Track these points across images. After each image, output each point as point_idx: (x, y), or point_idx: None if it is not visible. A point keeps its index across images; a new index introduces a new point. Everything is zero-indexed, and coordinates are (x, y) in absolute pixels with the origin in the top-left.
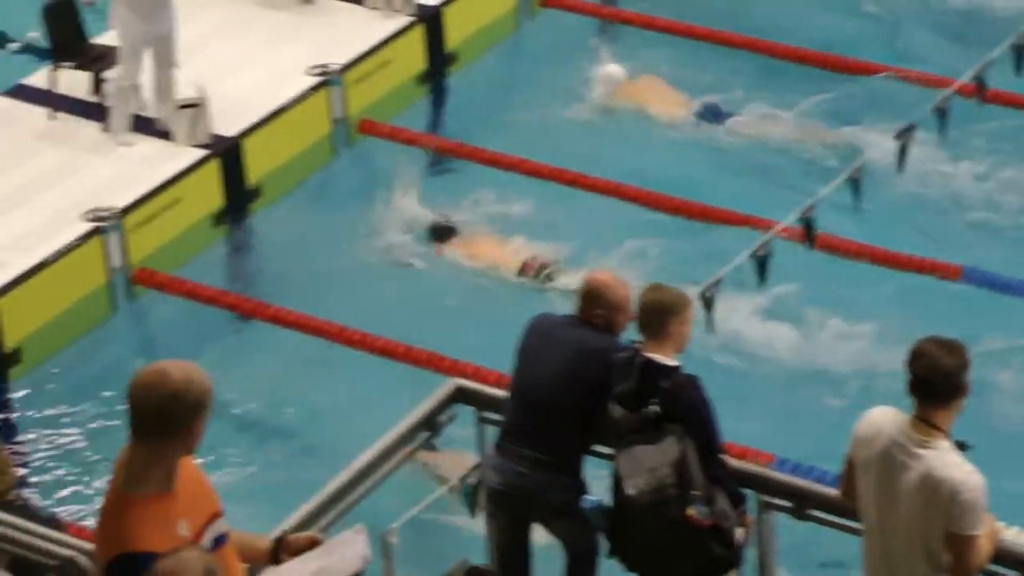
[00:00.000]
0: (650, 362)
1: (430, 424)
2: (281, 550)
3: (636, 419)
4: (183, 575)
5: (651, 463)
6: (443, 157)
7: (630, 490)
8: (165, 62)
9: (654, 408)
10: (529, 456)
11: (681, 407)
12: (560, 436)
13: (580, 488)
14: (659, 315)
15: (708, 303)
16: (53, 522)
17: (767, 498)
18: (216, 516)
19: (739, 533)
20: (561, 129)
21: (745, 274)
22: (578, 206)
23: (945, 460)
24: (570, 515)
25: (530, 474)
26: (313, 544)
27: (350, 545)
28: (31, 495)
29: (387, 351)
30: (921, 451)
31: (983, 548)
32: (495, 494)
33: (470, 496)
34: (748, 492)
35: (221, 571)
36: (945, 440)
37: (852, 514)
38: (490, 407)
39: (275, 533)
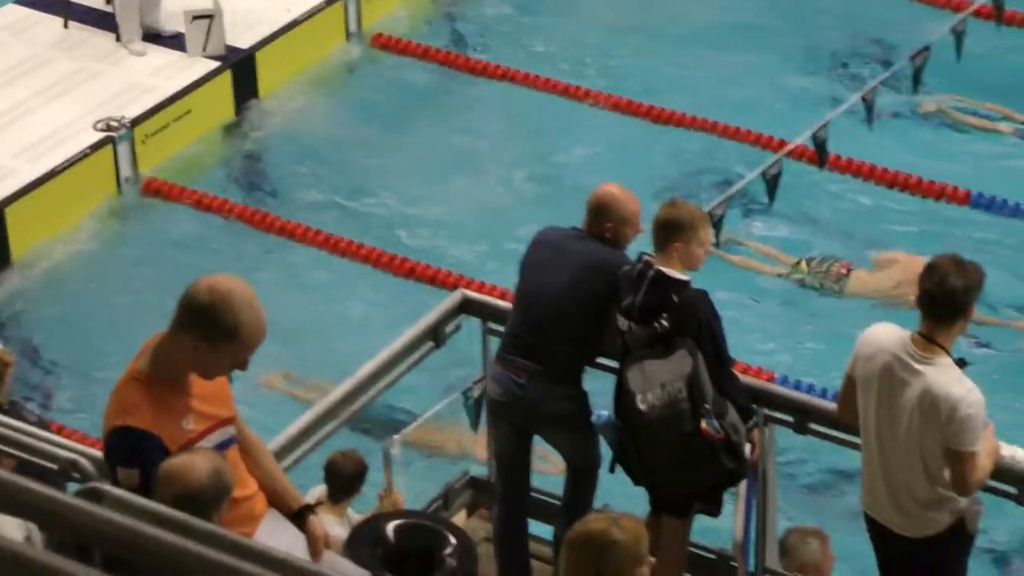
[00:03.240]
0: (661, 275)
1: (435, 334)
2: (301, 520)
3: (646, 333)
4: (186, 475)
5: (663, 378)
6: None
7: (642, 405)
8: None
9: (664, 322)
10: (529, 368)
11: (691, 321)
12: (561, 348)
13: (580, 400)
14: (672, 231)
15: (716, 222)
16: (42, 425)
17: (769, 412)
18: (227, 422)
19: (747, 447)
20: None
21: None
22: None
23: (945, 376)
24: (570, 427)
25: (530, 385)
26: (316, 544)
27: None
28: (27, 401)
29: (392, 267)
30: (921, 367)
31: (982, 465)
32: (495, 405)
33: (472, 408)
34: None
35: (232, 482)
36: (946, 357)
37: (852, 430)
38: (496, 318)
39: (309, 498)
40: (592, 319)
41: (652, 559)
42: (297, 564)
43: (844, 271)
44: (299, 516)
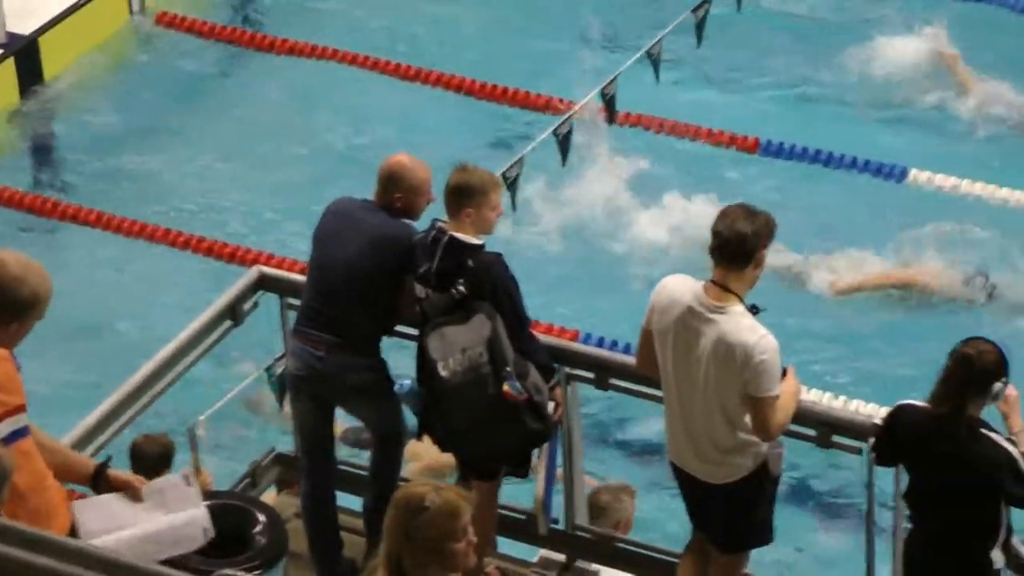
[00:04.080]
0: (455, 241)
1: (234, 312)
2: (101, 479)
3: (443, 300)
4: None
5: (463, 343)
6: None
7: (443, 372)
8: None
9: (461, 288)
10: (325, 340)
11: (488, 284)
12: (356, 319)
13: (380, 369)
14: (466, 196)
15: (511, 184)
16: None
17: (570, 370)
18: (16, 410)
19: (551, 406)
20: None
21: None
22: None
23: (739, 324)
24: (372, 397)
25: (327, 357)
26: (130, 485)
27: (181, 502)
28: None
29: (190, 247)
30: (715, 316)
31: (781, 409)
32: (295, 379)
33: (277, 385)
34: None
35: (11, 465)
36: (739, 305)
37: (652, 382)
38: (294, 293)
39: (100, 459)
40: (384, 290)
41: (473, 539)
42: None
43: None
44: (98, 477)
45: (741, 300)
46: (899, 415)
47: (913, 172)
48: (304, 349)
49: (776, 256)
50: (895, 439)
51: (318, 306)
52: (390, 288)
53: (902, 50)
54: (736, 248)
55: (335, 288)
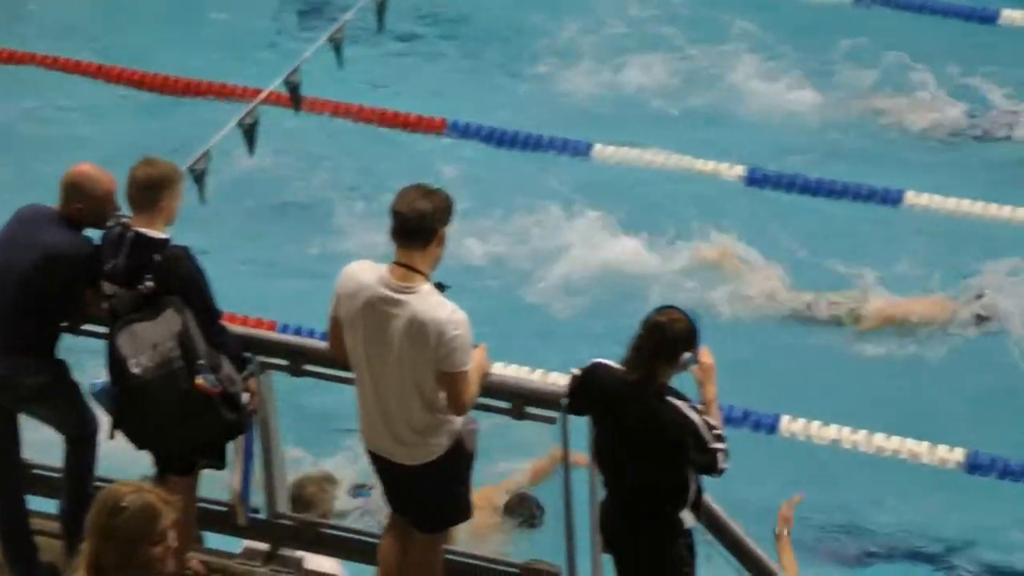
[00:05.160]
0: (141, 236)
1: None
2: None
3: (131, 296)
4: None
5: (154, 339)
6: None
7: (135, 369)
8: None
9: (149, 283)
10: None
11: (176, 279)
12: (29, 326)
13: (58, 370)
14: (151, 190)
15: (198, 176)
16: None
17: (264, 358)
18: None
19: (246, 396)
20: None
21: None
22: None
23: (428, 302)
24: (52, 398)
25: (2, 360)
26: None
27: None
28: None
29: None
30: (403, 297)
31: (474, 382)
32: None
33: None
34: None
35: None
36: (426, 283)
37: (347, 368)
38: None
39: None
40: (58, 300)
41: (173, 544)
42: None
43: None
44: None
45: (427, 279)
46: (594, 373)
47: (597, 147)
48: None
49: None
50: (588, 394)
51: None
52: (65, 299)
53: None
54: (417, 226)
55: (6, 295)
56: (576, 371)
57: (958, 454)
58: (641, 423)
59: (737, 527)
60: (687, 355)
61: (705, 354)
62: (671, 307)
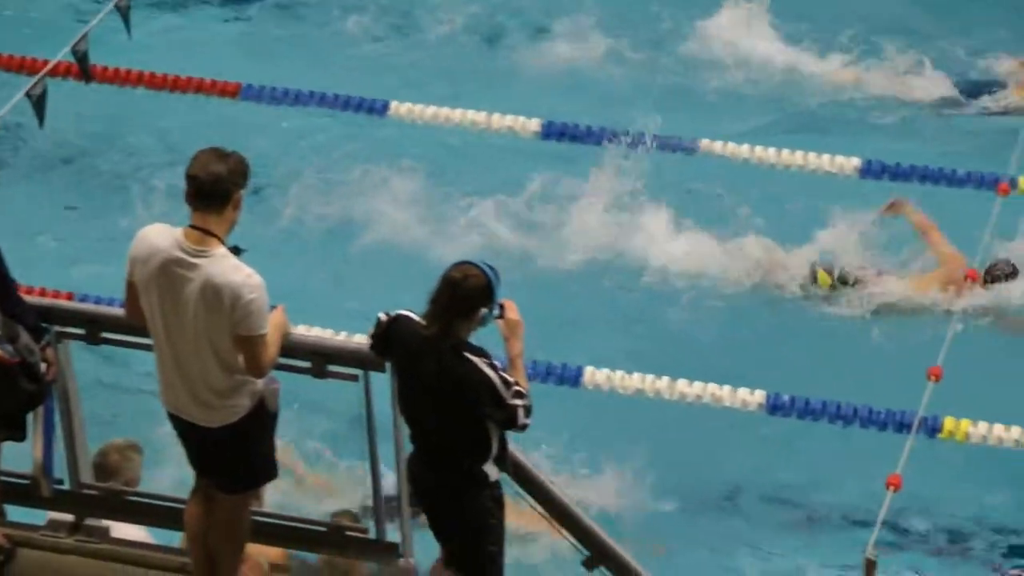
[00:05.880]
0: None
1: None
2: None
3: None
4: None
5: None
6: None
7: None
8: None
9: None
10: None
11: None
12: None
13: None
14: None
15: None
16: None
17: (61, 328)
18: None
19: (43, 366)
20: None
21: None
22: None
23: (223, 266)
24: None
25: None
26: None
27: None
28: None
29: None
30: (198, 261)
31: (273, 344)
32: None
33: None
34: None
35: None
36: (221, 247)
37: (144, 331)
38: None
39: None
40: None
41: None
42: None
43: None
44: None
45: (223, 242)
46: (397, 323)
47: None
48: None
49: None
50: (390, 343)
51: None
52: None
53: None
54: (212, 188)
55: None
56: (382, 315)
57: (759, 396)
58: (437, 378)
59: (544, 478)
60: (483, 311)
61: (512, 310)
62: (468, 262)
